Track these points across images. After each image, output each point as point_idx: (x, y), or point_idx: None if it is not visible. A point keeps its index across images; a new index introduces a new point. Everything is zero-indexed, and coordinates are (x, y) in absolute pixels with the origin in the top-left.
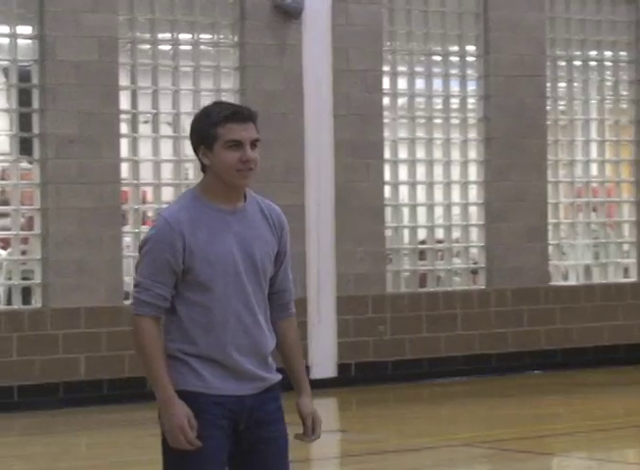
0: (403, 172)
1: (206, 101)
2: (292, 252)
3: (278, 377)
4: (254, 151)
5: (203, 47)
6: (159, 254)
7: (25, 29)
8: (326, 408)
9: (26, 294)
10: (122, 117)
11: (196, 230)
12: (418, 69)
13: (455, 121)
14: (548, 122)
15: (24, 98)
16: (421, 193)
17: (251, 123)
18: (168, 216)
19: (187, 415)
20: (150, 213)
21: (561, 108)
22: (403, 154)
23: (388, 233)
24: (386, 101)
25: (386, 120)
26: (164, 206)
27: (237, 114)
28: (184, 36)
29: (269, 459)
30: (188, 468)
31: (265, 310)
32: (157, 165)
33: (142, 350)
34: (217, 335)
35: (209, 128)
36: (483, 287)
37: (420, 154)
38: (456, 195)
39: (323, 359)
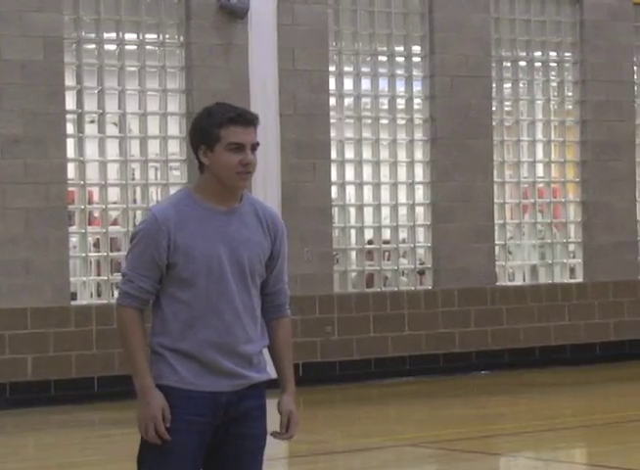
0: (350, 172)
1: (152, 101)
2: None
3: (264, 376)
4: (254, 154)
5: (148, 47)
6: (144, 248)
7: None
8: (273, 409)
9: None
10: (68, 116)
11: (183, 227)
12: (364, 69)
13: (401, 122)
14: (494, 123)
15: None
16: (368, 193)
17: (253, 127)
18: (157, 212)
19: (162, 407)
20: (96, 214)
21: (506, 108)
22: (350, 154)
23: (335, 233)
24: (332, 101)
25: (332, 121)
26: (110, 206)
27: (241, 117)
28: (129, 36)
29: (243, 455)
30: (157, 461)
31: (253, 311)
32: (103, 166)
33: (124, 339)
34: (197, 332)
35: (212, 129)
36: (430, 287)
37: (366, 154)
38: (403, 195)
39: (269, 360)
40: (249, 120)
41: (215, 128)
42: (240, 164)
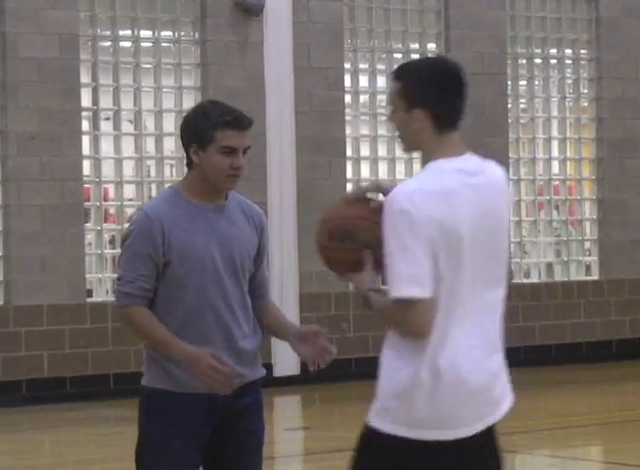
0: (365, 170)
1: (168, 98)
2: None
3: (259, 373)
4: (245, 157)
5: (164, 44)
6: (139, 247)
7: None
8: (289, 406)
9: None
10: (84, 114)
11: (176, 225)
12: (379, 66)
13: None
14: (509, 120)
15: None
16: None
17: (247, 132)
18: (148, 210)
19: (210, 355)
20: (112, 211)
21: (522, 106)
22: (365, 151)
23: None
24: (347, 98)
25: (347, 118)
26: (126, 203)
27: (238, 120)
28: (145, 33)
29: (243, 451)
30: (154, 464)
31: (245, 308)
32: (118, 163)
33: (145, 336)
34: (193, 330)
35: (207, 130)
36: None
37: (382, 151)
38: None
39: (286, 357)
40: (245, 125)
41: (211, 129)
42: (231, 167)
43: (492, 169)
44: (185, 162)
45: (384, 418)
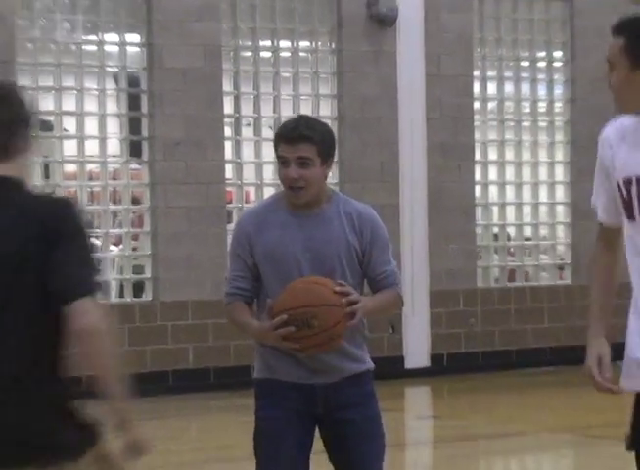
0: (493, 173)
1: (306, 105)
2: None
3: (363, 367)
4: (307, 169)
5: (302, 54)
6: (233, 249)
7: (134, 38)
8: (420, 396)
9: (138, 288)
10: (226, 120)
11: (263, 230)
12: (507, 74)
13: (542, 124)
14: None
15: (134, 103)
16: (510, 193)
17: (300, 145)
18: (242, 217)
19: (269, 326)
20: None
21: None
22: (493, 155)
23: (479, 231)
24: (476, 105)
25: (476, 124)
26: None
27: (287, 132)
28: (284, 43)
29: (349, 441)
30: (261, 448)
31: None
32: (259, 167)
33: (235, 323)
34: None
35: (275, 141)
36: (569, 282)
37: (509, 155)
38: (544, 194)
39: (417, 350)
40: (294, 138)
41: (275, 142)
42: (286, 177)
43: None
44: None
45: None
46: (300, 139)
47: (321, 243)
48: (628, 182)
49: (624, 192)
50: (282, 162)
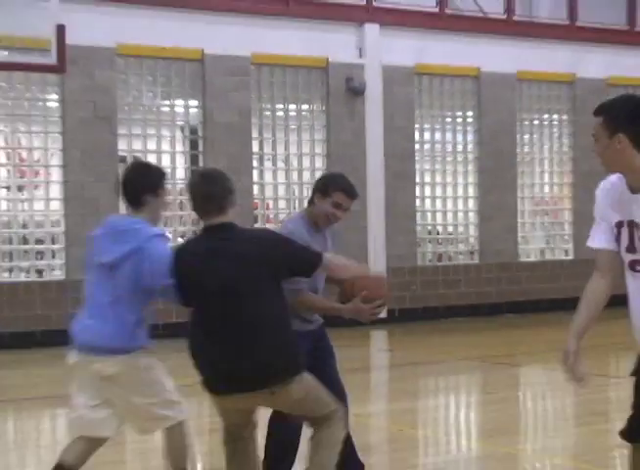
0: (427, 190)
1: (306, 147)
2: None
3: (322, 320)
4: (344, 214)
5: (303, 113)
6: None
7: (194, 102)
8: (380, 337)
9: None
10: (254, 156)
11: (304, 237)
12: (436, 126)
13: (460, 159)
14: None
15: (194, 144)
16: (439, 203)
17: (354, 200)
18: (290, 223)
19: (355, 308)
20: None
21: None
22: (427, 179)
23: (418, 228)
24: (417, 146)
25: (417, 158)
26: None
27: (350, 188)
28: (292, 106)
29: (323, 357)
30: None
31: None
32: (275, 187)
33: (313, 305)
34: (301, 310)
35: (333, 189)
36: (478, 262)
37: (438, 179)
38: (460, 205)
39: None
40: (354, 195)
41: (334, 190)
42: (334, 214)
43: None
44: (309, 200)
45: None
46: (355, 197)
47: (328, 250)
48: (619, 225)
49: (615, 232)
50: (336, 205)
